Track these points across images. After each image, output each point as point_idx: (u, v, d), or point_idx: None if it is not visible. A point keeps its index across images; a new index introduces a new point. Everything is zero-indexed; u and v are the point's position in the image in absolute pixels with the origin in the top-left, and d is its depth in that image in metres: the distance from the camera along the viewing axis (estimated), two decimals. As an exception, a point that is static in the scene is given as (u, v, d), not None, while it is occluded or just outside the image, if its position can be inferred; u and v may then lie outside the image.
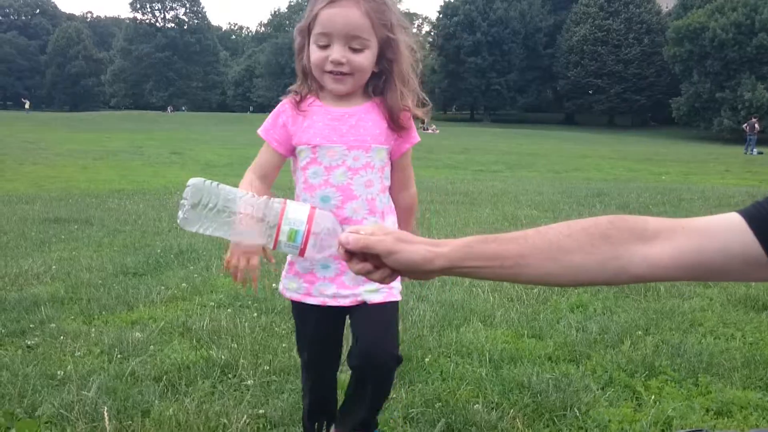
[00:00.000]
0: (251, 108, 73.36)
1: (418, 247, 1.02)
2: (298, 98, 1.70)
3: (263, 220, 1.09)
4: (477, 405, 2.38)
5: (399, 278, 1.47)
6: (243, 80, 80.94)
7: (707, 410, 2.41)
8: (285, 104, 1.72)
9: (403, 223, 1.82)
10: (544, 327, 3.31)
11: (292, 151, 1.73)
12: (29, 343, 3.02)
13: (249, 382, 2.56)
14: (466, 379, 2.62)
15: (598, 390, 2.55)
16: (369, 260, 1.04)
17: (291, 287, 1.79)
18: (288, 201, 1.11)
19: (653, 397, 2.51)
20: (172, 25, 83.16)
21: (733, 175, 15.87)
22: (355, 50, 1.56)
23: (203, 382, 2.56)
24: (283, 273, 1.82)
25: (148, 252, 5.10)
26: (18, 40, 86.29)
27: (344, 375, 2.13)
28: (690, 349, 2.94)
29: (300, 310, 1.82)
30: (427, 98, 1.74)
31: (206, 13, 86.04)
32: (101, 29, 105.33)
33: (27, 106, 60.31)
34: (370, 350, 1.70)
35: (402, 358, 1.84)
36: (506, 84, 61.84)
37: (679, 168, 17.53)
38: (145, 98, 78.27)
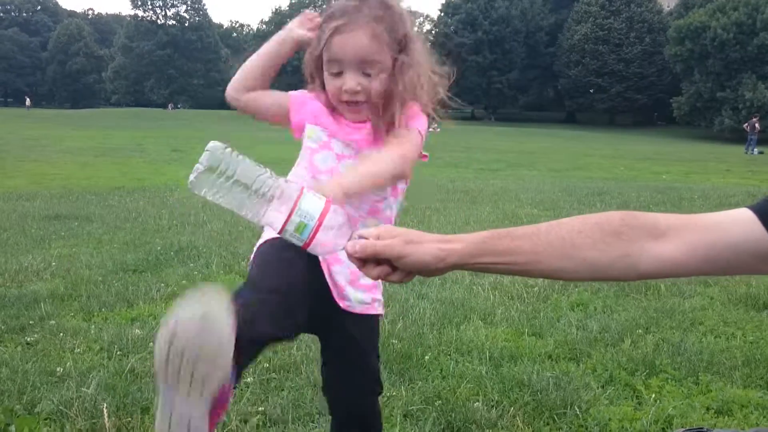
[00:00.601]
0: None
1: (429, 247, 1.01)
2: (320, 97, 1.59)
3: (274, 202, 1.05)
4: (477, 403, 2.37)
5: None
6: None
7: (708, 409, 2.41)
8: (317, 95, 1.59)
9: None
10: (545, 325, 3.31)
11: (301, 129, 1.62)
12: (29, 339, 3.02)
13: (248, 379, 2.55)
14: (466, 377, 2.62)
15: (598, 388, 2.54)
16: (383, 263, 1.03)
17: None
18: (304, 190, 1.07)
19: (653, 395, 2.50)
20: (174, 22, 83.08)
21: (733, 174, 15.86)
22: (368, 75, 1.49)
23: (203, 379, 2.55)
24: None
25: (148, 249, 5.10)
26: (19, 37, 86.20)
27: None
28: (690, 348, 2.94)
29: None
30: (448, 99, 1.63)
31: (207, 11, 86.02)
32: (102, 26, 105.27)
33: (27, 103, 60.28)
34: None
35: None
36: (507, 82, 61.82)
37: (679, 167, 17.52)
38: (146, 96, 78.24)
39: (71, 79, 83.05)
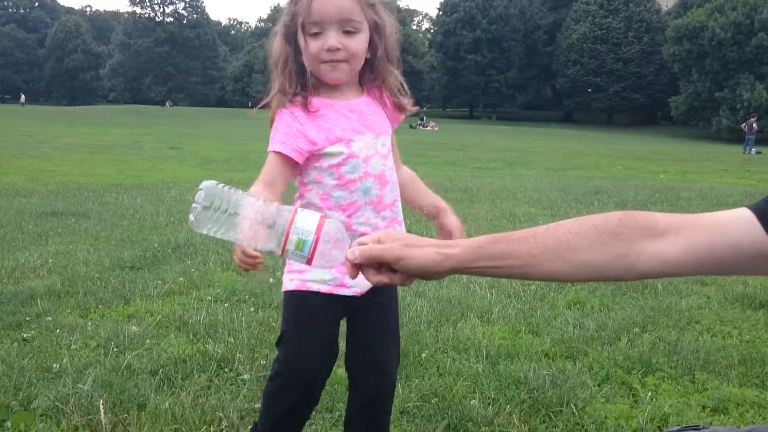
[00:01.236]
0: (250, 103, 73.30)
1: (427, 251, 1.02)
2: (303, 101, 1.60)
3: (273, 227, 1.09)
4: (474, 401, 2.38)
5: None
6: (242, 76, 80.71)
7: (703, 407, 2.42)
8: (291, 111, 1.59)
9: (423, 191, 1.81)
10: (541, 323, 3.31)
11: (305, 161, 1.62)
12: (25, 336, 3.02)
13: (245, 376, 2.55)
14: (463, 374, 2.62)
15: (594, 386, 2.55)
16: (383, 268, 1.04)
17: (320, 278, 1.63)
18: (299, 209, 1.11)
19: (650, 393, 2.51)
20: (171, 19, 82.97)
21: (731, 174, 15.89)
22: (348, 33, 1.56)
23: (199, 376, 2.56)
24: (292, 266, 1.67)
25: (145, 246, 5.09)
26: (16, 34, 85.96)
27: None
28: (687, 347, 2.95)
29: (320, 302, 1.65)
30: (404, 84, 1.71)
31: (205, 8, 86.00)
32: (100, 23, 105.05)
33: (22, 99, 60.08)
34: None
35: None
36: (505, 81, 61.84)
37: (677, 167, 17.54)
38: (143, 93, 78.10)
39: (69, 76, 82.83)
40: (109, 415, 2.20)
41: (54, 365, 2.62)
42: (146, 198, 8.29)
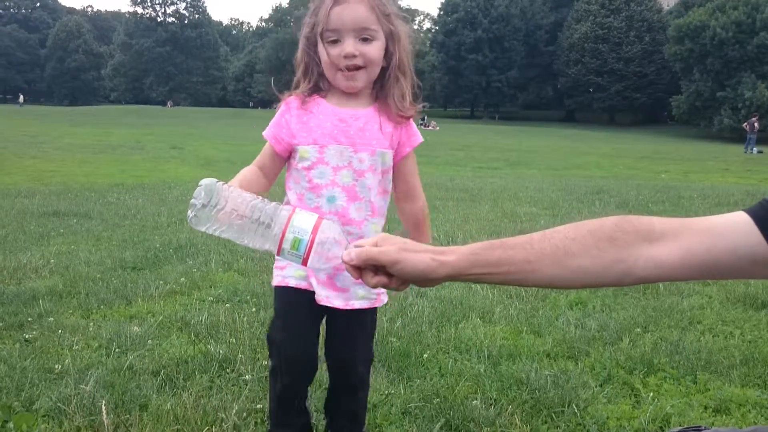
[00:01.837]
0: (251, 103, 73.32)
1: (423, 256, 1.02)
2: (305, 96, 1.69)
3: (270, 226, 1.09)
4: (475, 401, 2.37)
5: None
6: (243, 75, 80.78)
7: (705, 407, 2.41)
8: (289, 102, 1.70)
9: (414, 238, 1.83)
10: (543, 324, 3.31)
11: (289, 153, 1.71)
12: (27, 336, 3.02)
13: (247, 376, 2.55)
14: (465, 375, 2.62)
15: (596, 387, 2.55)
16: (380, 272, 1.04)
17: (297, 274, 1.73)
18: (297, 209, 1.12)
19: (651, 394, 2.51)
20: (173, 19, 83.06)
21: (732, 173, 15.88)
22: (365, 41, 1.61)
23: (201, 377, 2.56)
24: (278, 263, 1.78)
25: (147, 246, 5.09)
26: (18, 34, 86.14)
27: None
28: (689, 347, 2.94)
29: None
30: (420, 90, 1.77)
31: (207, 8, 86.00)
32: (101, 23, 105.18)
33: (21, 99, 59.90)
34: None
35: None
36: (507, 81, 61.81)
37: (678, 166, 17.53)
38: (145, 93, 78.21)
39: (70, 76, 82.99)
40: (111, 415, 2.20)
41: (56, 366, 2.62)
42: (148, 198, 8.30)
